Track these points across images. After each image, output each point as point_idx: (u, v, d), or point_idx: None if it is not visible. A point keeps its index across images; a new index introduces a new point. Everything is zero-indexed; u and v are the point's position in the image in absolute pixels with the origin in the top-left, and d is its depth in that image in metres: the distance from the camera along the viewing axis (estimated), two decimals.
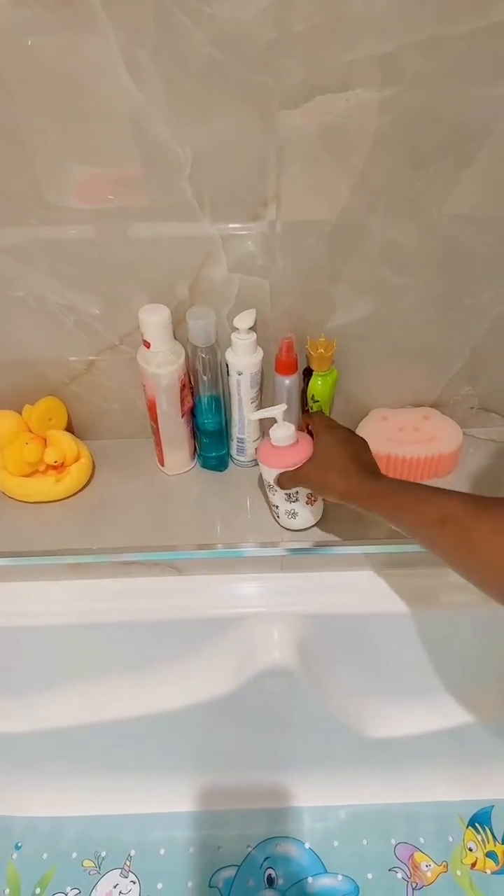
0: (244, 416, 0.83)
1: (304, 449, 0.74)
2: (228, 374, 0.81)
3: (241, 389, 0.81)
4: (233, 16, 0.57)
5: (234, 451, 0.89)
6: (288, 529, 0.82)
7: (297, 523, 0.80)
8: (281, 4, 0.56)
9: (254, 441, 0.87)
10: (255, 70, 0.60)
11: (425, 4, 0.57)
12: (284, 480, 0.74)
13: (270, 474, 0.75)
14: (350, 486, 0.68)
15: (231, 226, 0.72)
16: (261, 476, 0.80)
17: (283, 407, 0.73)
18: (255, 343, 0.78)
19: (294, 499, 0.77)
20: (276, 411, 0.73)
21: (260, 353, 0.79)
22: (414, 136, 0.65)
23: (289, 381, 0.81)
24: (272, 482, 0.76)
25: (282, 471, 0.74)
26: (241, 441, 0.87)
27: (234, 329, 0.77)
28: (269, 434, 0.75)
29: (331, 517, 0.83)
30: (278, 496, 0.78)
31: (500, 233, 0.73)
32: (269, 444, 0.75)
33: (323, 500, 0.80)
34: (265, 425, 0.84)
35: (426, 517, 0.60)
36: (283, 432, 0.73)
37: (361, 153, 0.66)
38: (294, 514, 0.79)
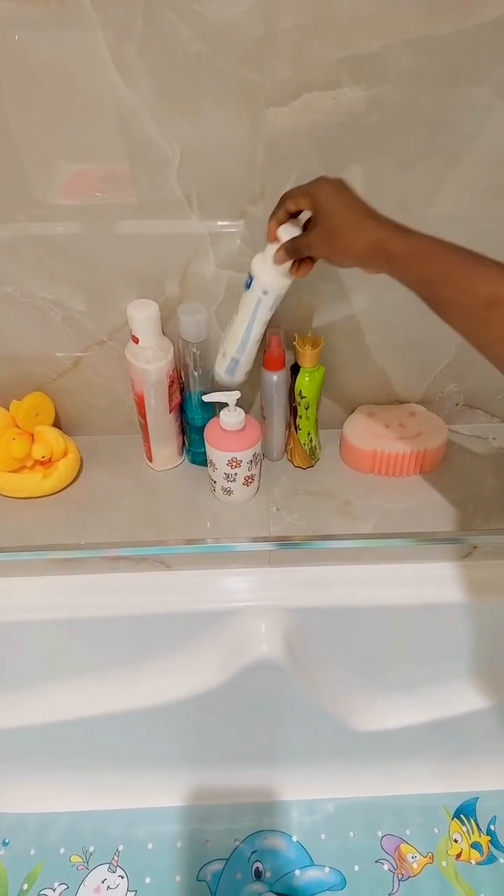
0: (251, 336, 0.72)
1: (253, 434, 0.80)
2: (249, 287, 0.69)
3: (260, 309, 0.70)
4: (220, 12, 0.57)
5: (222, 370, 0.77)
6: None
7: (231, 500, 0.84)
8: (269, 1, 0.57)
9: (247, 371, 0.77)
10: (242, 67, 0.60)
11: (412, 4, 0.57)
12: (286, 252, 0.62)
13: (216, 455, 0.80)
14: (379, 237, 0.54)
15: (219, 223, 0.72)
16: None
17: (237, 394, 0.77)
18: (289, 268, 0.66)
19: (232, 479, 0.81)
20: (230, 397, 0.77)
21: (290, 280, 0.67)
22: (401, 135, 0.66)
23: (276, 377, 0.81)
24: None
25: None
26: (234, 361, 0.75)
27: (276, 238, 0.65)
28: (219, 416, 0.79)
29: (318, 512, 0.84)
30: (218, 473, 0.82)
31: (485, 231, 0.74)
32: (219, 426, 0.79)
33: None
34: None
35: (472, 295, 0.49)
36: (234, 418, 0.78)
37: (348, 152, 0.67)
38: (229, 492, 0.83)
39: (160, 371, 0.78)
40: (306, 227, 0.62)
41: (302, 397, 0.82)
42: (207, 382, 0.82)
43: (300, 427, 0.85)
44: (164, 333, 0.78)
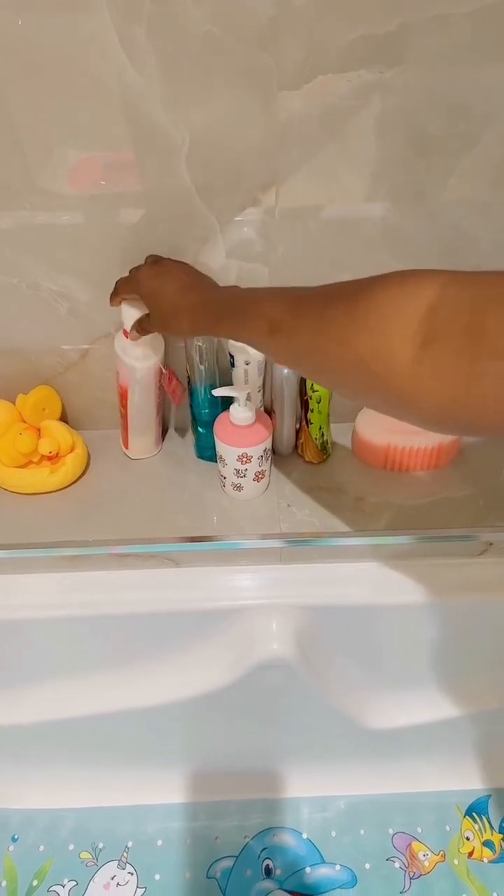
0: (255, 386, 0.82)
1: (263, 429, 0.78)
2: (234, 366, 0.80)
3: (250, 380, 0.80)
4: None
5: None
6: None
7: (241, 496, 0.83)
8: None
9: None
10: (254, 49, 0.58)
11: None
12: (138, 332, 0.71)
13: (226, 451, 0.78)
14: (190, 316, 0.61)
15: (229, 212, 0.70)
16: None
17: (247, 389, 0.76)
18: None
19: (242, 475, 0.80)
20: (239, 392, 0.76)
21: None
22: (417, 118, 0.64)
23: (286, 371, 0.79)
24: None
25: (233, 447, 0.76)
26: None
27: None
28: (229, 411, 0.78)
29: (329, 508, 0.82)
30: (228, 469, 0.80)
31: (503, 219, 0.72)
32: (229, 421, 0.78)
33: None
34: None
35: (258, 332, 0.53)
36: (244, 413, 0.76)
37: (363, 136, 0.65)
38: (240, 488, 0.82)
39: (148, 368, 0.77)
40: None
41: (314, 391, 0.80)
42: (213, 376, 0.80)
43: (311, 422, 0.83)
44: None
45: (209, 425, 0.82)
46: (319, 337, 0.46)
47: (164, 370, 0.79)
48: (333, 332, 0.45)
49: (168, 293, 0.63)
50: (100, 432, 0.91)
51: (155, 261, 0.68)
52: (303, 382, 0.81)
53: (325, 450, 0.86)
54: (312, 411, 0.82)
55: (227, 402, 0.79)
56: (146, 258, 0.70)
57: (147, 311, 0.68)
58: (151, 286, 0.65)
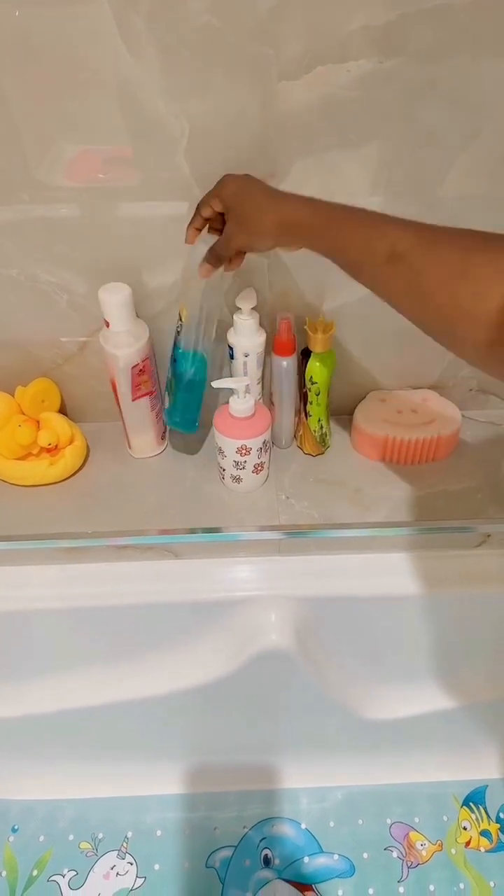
0: (254, 379, 0.83)
1: (263, 421, 0.78)
2: (233, 358, 0.80)
3: (249, 372, 0.80)
4: None
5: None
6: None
7: (240, 488, 0.83)
8: None
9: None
10: (253, 39, 0.58)
11: None
12: (208, 262, 0.65)
13: (225, 443, 0.78)
14: (286, 212, 0.57)
15: None
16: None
17: (246, 380, 0.76)
18: (258, 323, 0.77)
19: (241, 467, 0.80)
20: (239, 383, 0.75)
21: (263, 334, 0.78)
22: (417, 110, 0.64)
23: (286, 363, 0.79)
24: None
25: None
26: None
27: (237, 309, 0.75)
28: (228, 402, 0.77)
29: (328, 500, 0.82)
30: (227, 461, 0.80)
31: (503, 211, 0.72)
32: (228, 413, 0.78)
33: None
34: None
35: (374, 254, 0.50)
36: (243, 404, 0.76)
37: (362, 127, 0.65)
38: (239, 480, 0.82)
39: (128, 357, 0.76)
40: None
41: (313, 383, 0.80)
42: (199, 343, 0.77)
43: (310, 413, 0.83)
44: (138, 316, 0.76)
45: (189, 387, 0.79)
46: (452, 282, 0.45)
47: (140, 361, 0.77)
48: (470, 282, 0.45)
49: (255, 191, 0.59)
50: (99, 424, 0.91)
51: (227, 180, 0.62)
52: (301, 375, 0.81)
53: (323, 442, 0.87)
54: (311, 403, 0.82)
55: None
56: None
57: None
58: (238, 184, 0.60)
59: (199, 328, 0.75)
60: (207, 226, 0.65)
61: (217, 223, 0.64)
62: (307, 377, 0.80)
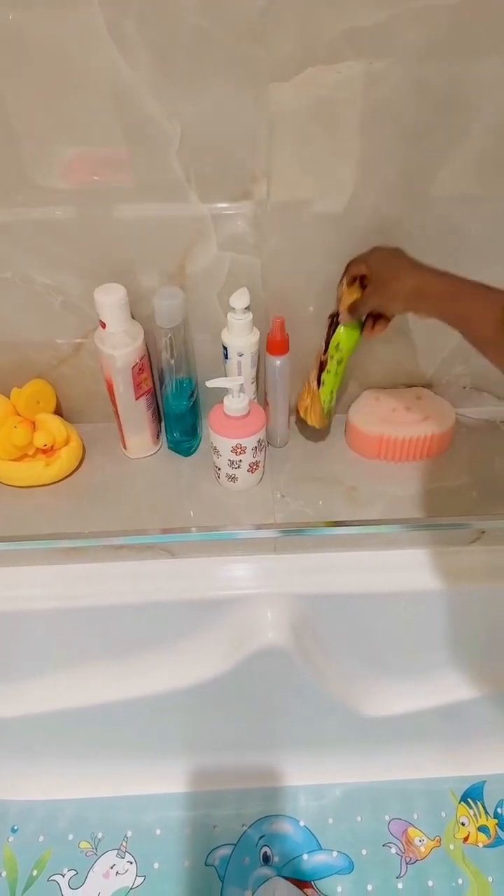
0: (249, 378, 0.82)
1: (257, 420, 0.78)
2: (227, 357, 0.80)
3: (243, 371, 0.80)
4: None
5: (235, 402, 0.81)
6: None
7: (236, 487, 0.83)
8: None
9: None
10: (244, 41, 0.59)
11: None
12: (353, 311, 0.71)
13: (220, 442, 0.78)
14: (418, 282, 0.63)
15: (221, 204, 0.70)
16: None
17: (241, 379, 0.76)
18: (252, 323, 0.77)
19: (236, 466, 0.80)
20: (233, 383, 0.75)
21: (257, 333, 0.79)
22: (406, 110, 0.64)
23: (279, 362, 0.80)
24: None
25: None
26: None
27: (231, 309, 0.76)
28: (223, 402, 0.77)
29: (324, 498, 0.83)
30: (222, 460, 0.80)
31: (494, 211, 0.73)
32: (223, 413, 0.78)
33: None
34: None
35: (491, 318, 0.56)
36: (238, 404, 0.76)
37: (353, 128, 0.65)
38: (234, 479, 0.82)
39: (126, 357, 0.76)
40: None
41: (337, 349, 0.77)
42: (183, 369, 0.80)
43: (324, 383, 0.80)
44: (133, 317, 0.77)
45: (177, 418, 0.84)
46: None
47: (139, 361, 0.78)
48: None
49: (398, 262, 0.66)
50: (94, 425, 0.91)
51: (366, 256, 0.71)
52: (328, 339, 0.78)
53: (329, 417, 0.86)
54: (329, 372, 0.79)
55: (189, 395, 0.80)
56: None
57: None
58: (382, 252, 0.68)
59: (173, 360, 0.78)
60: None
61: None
62: (333, 343, 0.77)
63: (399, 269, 0.65)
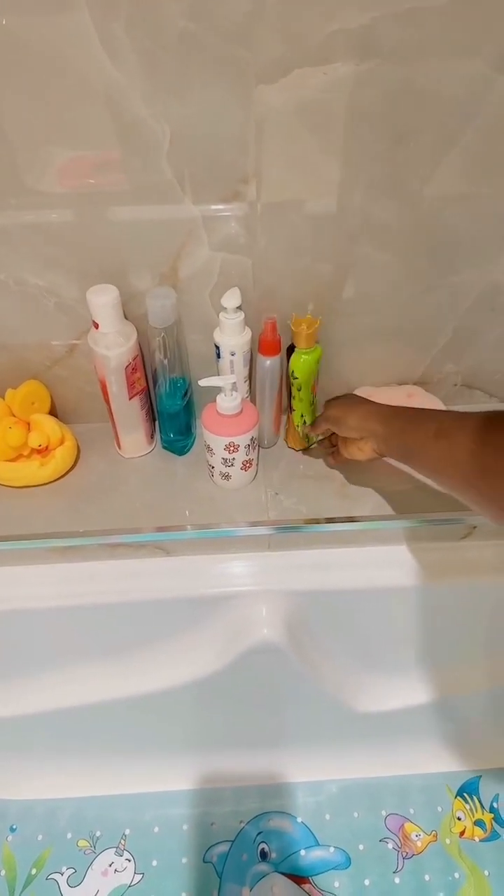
0: (242, 377, 0.84)
1: (250, 418, 0.79)
2: (219, 356, 0.81)
3: (235, 370, 0.81)
4: None
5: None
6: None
7: (229, 485, 0.84)
8: None
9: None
10: (231, 43, 0.59)
11: None
12: (334, 459, 0.85)
13: (213, 440, 0.79)
14: (373, 433, 0.71)
15: (212, 205, 0.71)
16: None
17: (233, 378, 0.77)
18: (244, 322, 0.78)
19: (230, 464, 0.81)
20: (225, 381, 0.76)
21: (249, 332, 0.80)
22: (393, 111, 0.65)
23: (270, 362, 0.80)
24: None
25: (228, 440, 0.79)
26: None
27: (222, 309, 0.76)
28: (216, 400, 0.78)
29: (316, 495, 0.84)
30: (215, 458, 0.81)
31: (482, 210, 0.73)
32: (216, 411, 0.79)
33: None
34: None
35: (427, 433, 0.61)
36: (230, 402, 0.77)
37: (340, 129, 0.66)
38: (228, 477, 0.83)
39: (120, 357, 0.77)
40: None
41: (294, 378, 0.81)
42: (176, 369, 0.81)
43: (294, 408, 0.84)
44: (126, 318, 0.77)
45: (171, 417, 0.85)
46: (476, 456, 0.55)
47: (132, 360, 0.79)
48: (489, 457, 0.54)
49: (350, 406, 0.75)
50: (89, 426, 0.92)
51: (335, 398, 0.80)
52: (285, 368, 0.82)
53: (307, 438, 0.88)
54: (294, 398, 0.83)
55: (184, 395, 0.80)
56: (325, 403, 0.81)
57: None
58: (338, 407, 0.77)
59: (166, 360, 0.79)
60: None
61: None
62: (290, 372, 0.81)
63: (350, 420, 0.73)
